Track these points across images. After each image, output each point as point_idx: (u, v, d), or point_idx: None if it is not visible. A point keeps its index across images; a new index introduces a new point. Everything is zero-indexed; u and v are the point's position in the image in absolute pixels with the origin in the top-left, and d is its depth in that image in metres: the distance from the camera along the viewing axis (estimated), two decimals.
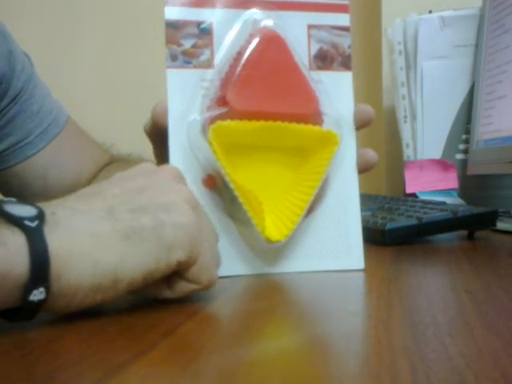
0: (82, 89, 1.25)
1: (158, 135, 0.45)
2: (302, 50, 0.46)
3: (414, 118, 0.94)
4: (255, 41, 0.44)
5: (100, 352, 0.27)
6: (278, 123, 0.43)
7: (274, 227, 0.43)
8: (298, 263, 0.45)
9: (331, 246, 0.46)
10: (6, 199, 0.30)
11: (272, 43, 0.44)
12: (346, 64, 0.47)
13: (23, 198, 0.64)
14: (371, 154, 0.47)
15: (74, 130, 0.69)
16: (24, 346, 0.28)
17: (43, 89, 0.68)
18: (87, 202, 0.32)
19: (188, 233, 0.33)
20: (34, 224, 0.28)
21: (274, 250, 0.44)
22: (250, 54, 0.44)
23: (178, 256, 0.32)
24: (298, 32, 0.46)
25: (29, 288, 0.28)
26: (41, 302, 0.29)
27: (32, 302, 0.28)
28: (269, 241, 0.43)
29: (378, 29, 1.10)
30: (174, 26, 0.45)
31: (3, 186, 0.67)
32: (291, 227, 0.44)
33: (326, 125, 0.45)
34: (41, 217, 0.29)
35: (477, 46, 0.90)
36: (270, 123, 0.43)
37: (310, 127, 0.44)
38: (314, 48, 0.47)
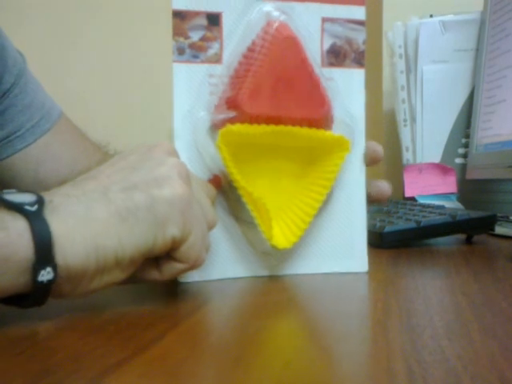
0: (83, 87, 1.25)
1: None
2: (314, 45, 0.45)
3: (413, 121, 0.94)
4: (268, 40, 0.42)
5: (97, 350, 0.27)
6: (289, 128, 0.42)
7: (281, 235, 0.43)
8: (302, 265, 0.45)
9: (335, 247, 0.46)
10: (6, 190, 0.31)
11: (286, 44, 0.42)
12: (359, 61, 0.46)
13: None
14: (378, 148, 0.47)
15: (66, 124, 0.69)
16: (20, 343, 0.28)
17: (35, 84, 0.68)
18: (81, 187, 0.32)
19: (178, 208, 0.33)
20: (33, 208, 0.29)
21: (278, 252, 0.44)
22: (263, 55, 0.42)
23: (172, 232, 0.33)
24: (311, 26, 0.45)
25: (36, 269, 0.28)
26: (50, 283, 0.29)
27: (41, 283, 0.29)
28: (276, 249, 0.42)
29: (379, 32, 1.10)
30: (181, 17, 0.42)
31: None
32: (299, 234, 0.43)
33: (337, 128, 0.44)
34: (40, 202, 0.30)
35: (477, 50, 0.90)
36: (281, 127, 0.42)
37: (321, 132, 0.43)
38: (327, 43, 0.45)
